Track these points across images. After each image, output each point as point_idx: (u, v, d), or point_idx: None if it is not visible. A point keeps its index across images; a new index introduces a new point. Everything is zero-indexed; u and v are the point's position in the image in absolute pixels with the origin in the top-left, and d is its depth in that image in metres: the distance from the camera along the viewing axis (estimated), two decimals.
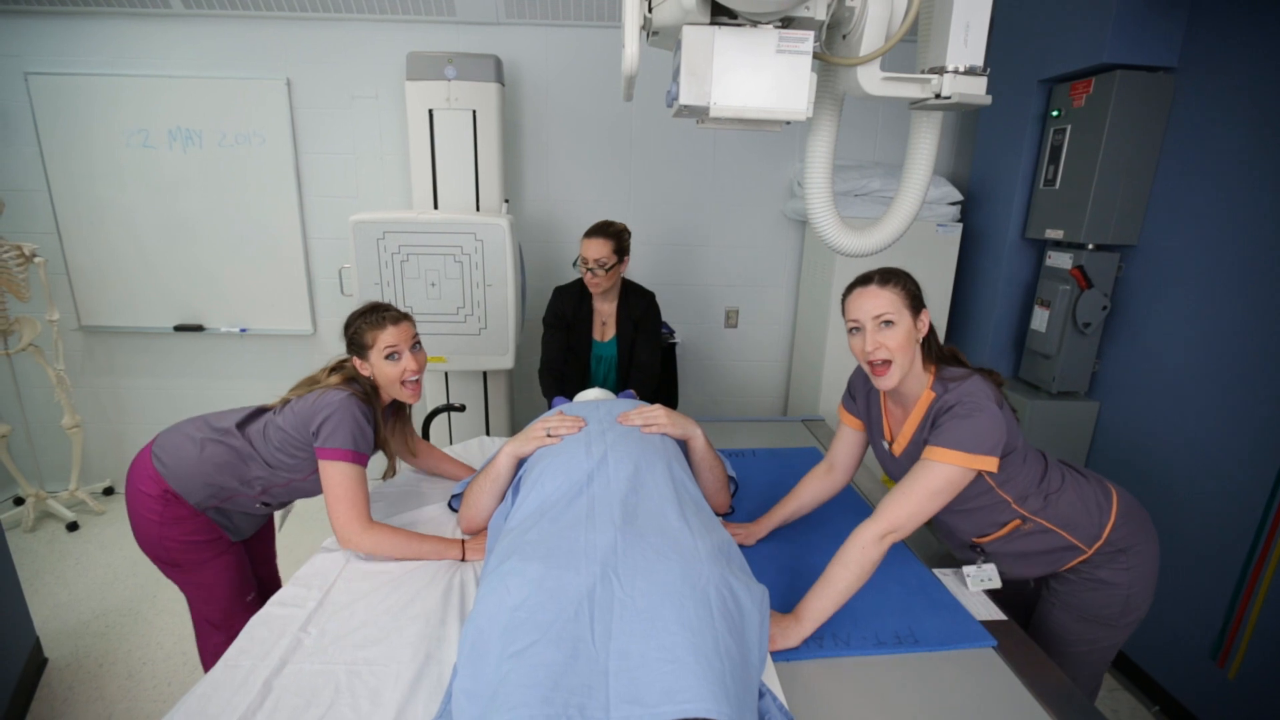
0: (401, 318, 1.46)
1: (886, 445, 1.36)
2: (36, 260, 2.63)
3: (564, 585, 0.92)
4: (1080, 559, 1.27)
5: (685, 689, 0.78)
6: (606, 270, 2.07)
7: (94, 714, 1.87)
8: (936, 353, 1.29)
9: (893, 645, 1.15)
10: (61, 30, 2.64)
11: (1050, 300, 2.24)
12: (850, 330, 1.26)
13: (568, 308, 2.20)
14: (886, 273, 1.25)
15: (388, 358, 1.43)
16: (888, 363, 1.21)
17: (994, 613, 1.25)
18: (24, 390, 2.88)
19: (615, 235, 2.08)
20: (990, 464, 1.14)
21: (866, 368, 1.25)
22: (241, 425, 1.46)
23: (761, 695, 0.95)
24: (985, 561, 1.34)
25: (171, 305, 2.94)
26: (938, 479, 1.14)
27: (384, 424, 1.50)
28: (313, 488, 1.48)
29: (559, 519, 1.09)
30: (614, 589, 0.93)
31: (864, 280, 1.25)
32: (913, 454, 1.26)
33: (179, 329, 2.95)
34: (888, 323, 1.20)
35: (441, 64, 2.42)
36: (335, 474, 1.36)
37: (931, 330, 1.29)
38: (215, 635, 1.54)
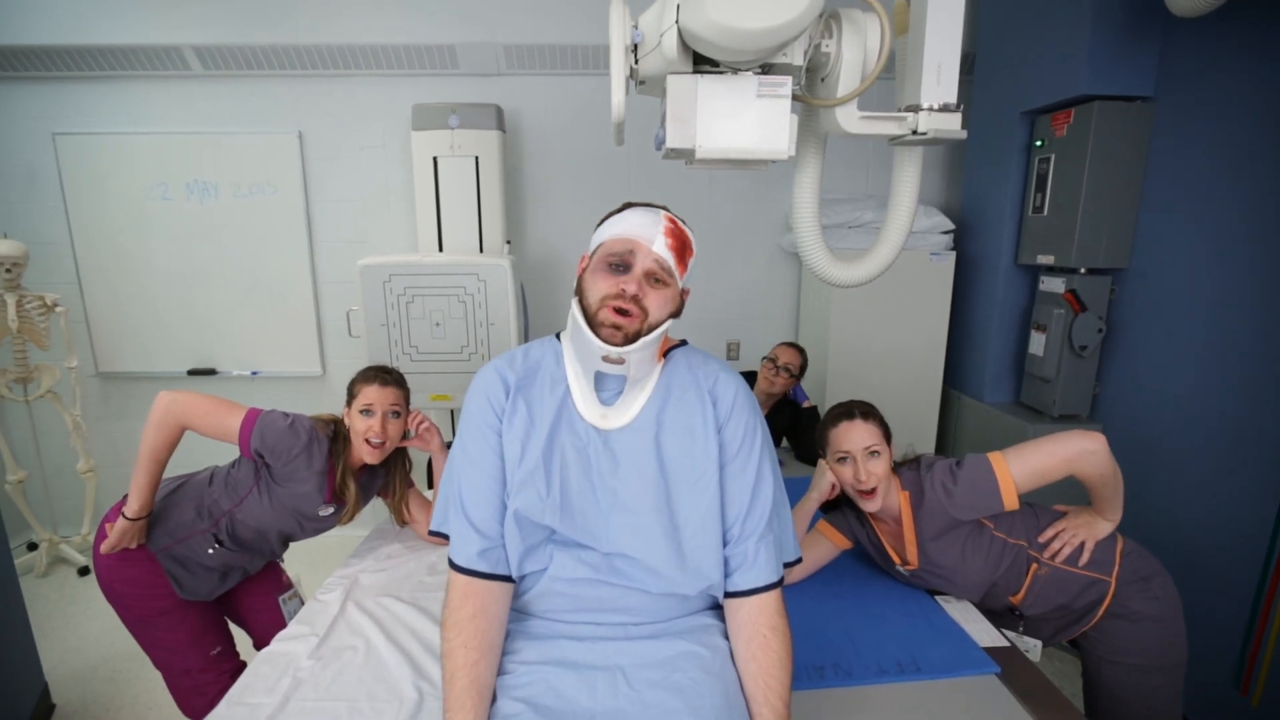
0: (390, 383, 1.51)
1: (900, 566, 1.38)
2: (58, 310, 2.72)
3: None
4: (1109, 597, 1.28)
5: None
6: None
7: None
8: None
9: (895, 674, 1.14)
10: (88, 93, 2.79)
11: (1046, 324, 2.26)
12: (839, 459, 1.32)
13: None
14: (865, 407, 1.34)
15: (362, 412, 1.48)
16: (875, 489, 1.28)
17: (996, 639, 1.24)
18: (40, 436, 2.94)
19: None
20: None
21: (854, 493, 1.32)
22: (234, 464, 1.53)
23: None
24: (1025, 632, 1.36)
25: (185, 350, 3.01)
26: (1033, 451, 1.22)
27: (349, 471, 1.50)
28: (249, 516, 1.49)
29: None
30: None
31: (846, 414, 1.33)
32: (925, 563, 1.31)
33: (192, 373, 3.02)
34: (874, 453, 1.29)
35: (445, 114, 2.53)
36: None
37: None
38: (185, 680, 1.53)
